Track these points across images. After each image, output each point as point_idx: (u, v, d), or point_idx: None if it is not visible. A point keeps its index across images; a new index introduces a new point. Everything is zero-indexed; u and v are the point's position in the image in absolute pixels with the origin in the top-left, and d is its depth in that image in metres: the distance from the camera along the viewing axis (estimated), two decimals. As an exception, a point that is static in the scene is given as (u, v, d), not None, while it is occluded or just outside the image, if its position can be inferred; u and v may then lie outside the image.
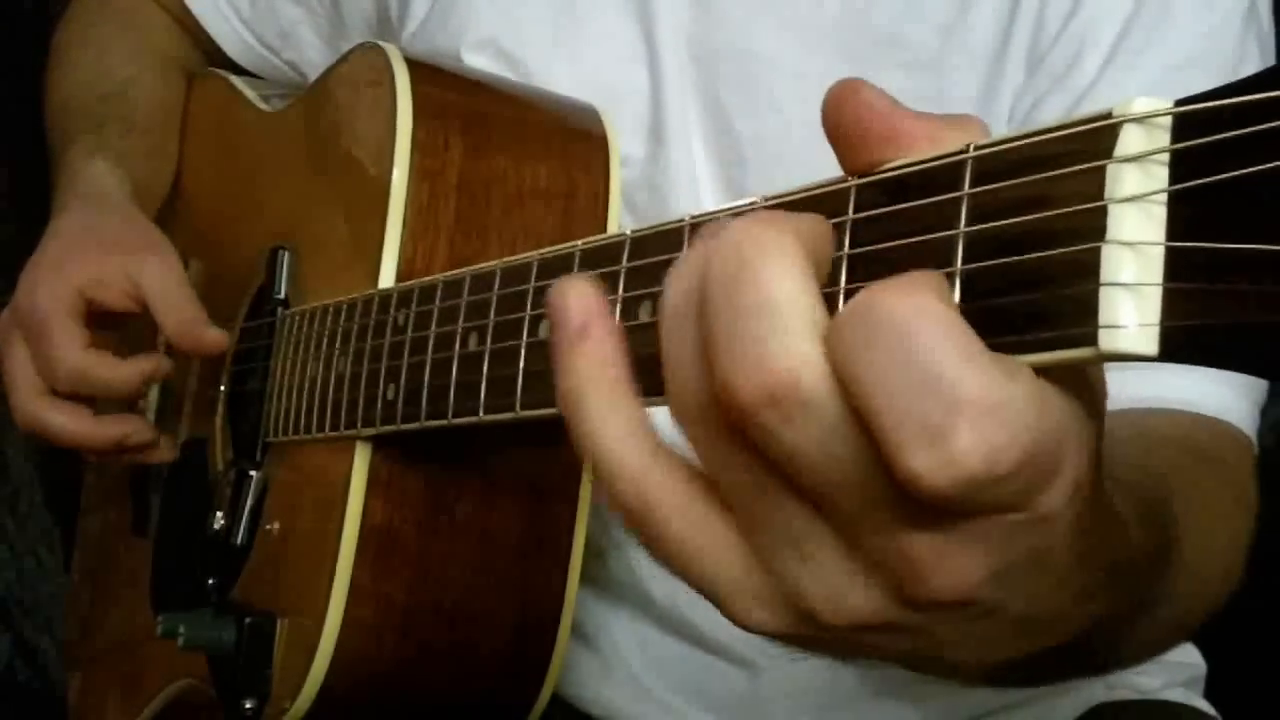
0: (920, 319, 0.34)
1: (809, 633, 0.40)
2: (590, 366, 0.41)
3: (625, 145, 0.86)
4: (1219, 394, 0.75)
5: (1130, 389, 0.72)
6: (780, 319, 0.36)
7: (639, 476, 0.40)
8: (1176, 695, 0.92)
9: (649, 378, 0.41)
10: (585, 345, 0.41)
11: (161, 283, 0.91)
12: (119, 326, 0.94)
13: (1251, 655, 1.08)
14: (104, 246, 0.93)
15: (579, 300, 0.41)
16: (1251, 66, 0.80)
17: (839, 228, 0.41)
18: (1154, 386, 0.73)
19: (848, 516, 0.37)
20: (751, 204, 0.44)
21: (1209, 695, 0.94)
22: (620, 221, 0.83)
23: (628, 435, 0.40)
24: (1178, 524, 0.59)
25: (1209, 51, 0.80)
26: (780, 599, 0.40)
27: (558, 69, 0.90)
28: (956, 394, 0.34)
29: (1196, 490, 0.65)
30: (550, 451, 0.80)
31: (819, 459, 0.36)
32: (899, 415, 0.34)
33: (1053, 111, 0.81)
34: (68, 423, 0.91)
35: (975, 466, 0.34)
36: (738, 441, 0.38)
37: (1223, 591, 0.68)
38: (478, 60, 0.92)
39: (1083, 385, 0.38)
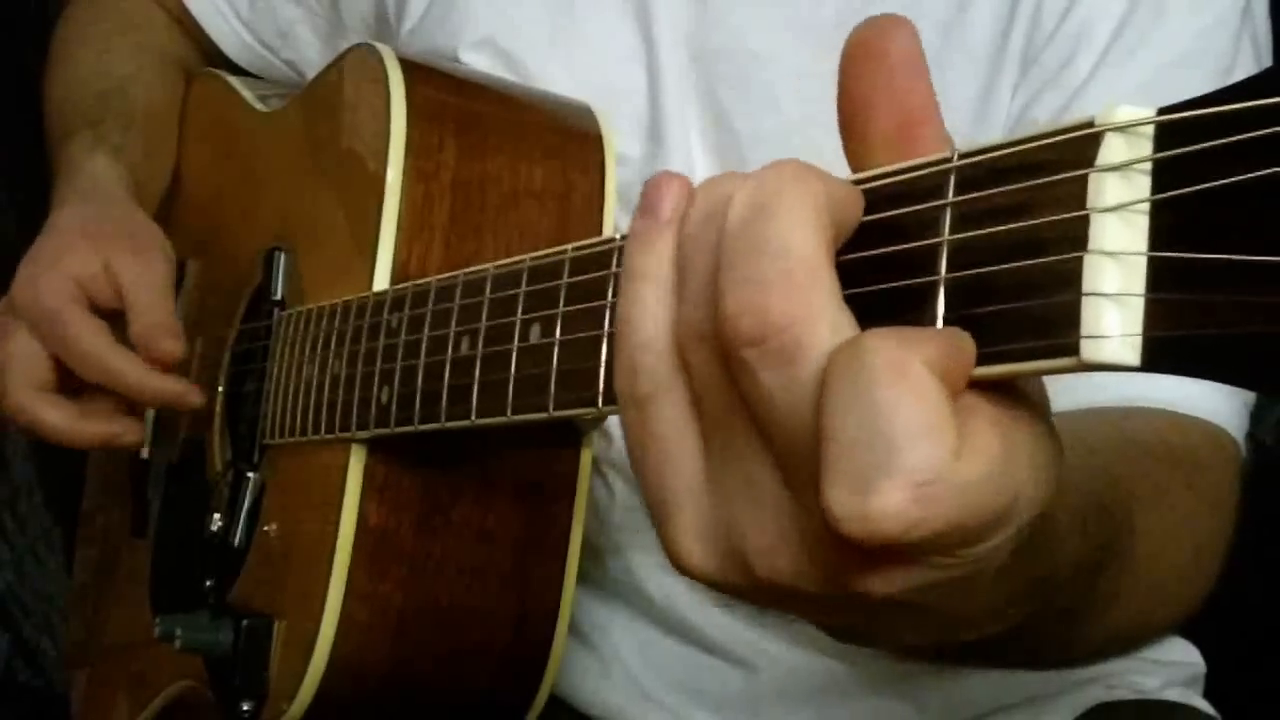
0: (897, 376, 0.34)
1: (737, 580, 0.41)
2: (664, 251, 0.41)
3: (623, 145, 0.86)
4: (1203, 394, 0.74)
5: (1113, 389, 0.72)
6: (788, 264, 0.36)
7: (668, 355, 0.41)
8: (1176, 695, 0.92)
9: None
10: (667, 233, 0.41)
11: (138, 280, 0.91)
12: (116, 323, 0.94)
13: (1251, 655, 1.08)
14: (97, 243, 0.93)
15: (671, 195, 0.42)
16: (1245, 67, 0.80)
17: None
18: (1137, 387, 0.73)
19: (800, 479, 0.38)
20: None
21: (1209, 695, 0.94)
22: (617, 221, 0.83)
23: (660, 299, 0.41)
24: (1133, 530, 0.59)
25: (1202, 51, 0.79)
26: (720, 535, 0.40)
27: (555, 68, 0.90)
28: (896, 458, 0.34)
29: (1160, 494, 0.65)
30: (547, 452, 0.80)
31: (782, 411, 0.37)
32: (840, 449, 0.35)
33: (1046, 110, 0.81)
34: (58, 419, 0.91)
35: (888, 529, 0.34)
36: (722, 368, 0.39)
37: (1189, 593, 0.68)
38: (475, 60, 0.91)
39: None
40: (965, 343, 0.36)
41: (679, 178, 0.42)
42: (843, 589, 0.38)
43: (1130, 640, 0.76)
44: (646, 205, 0.42)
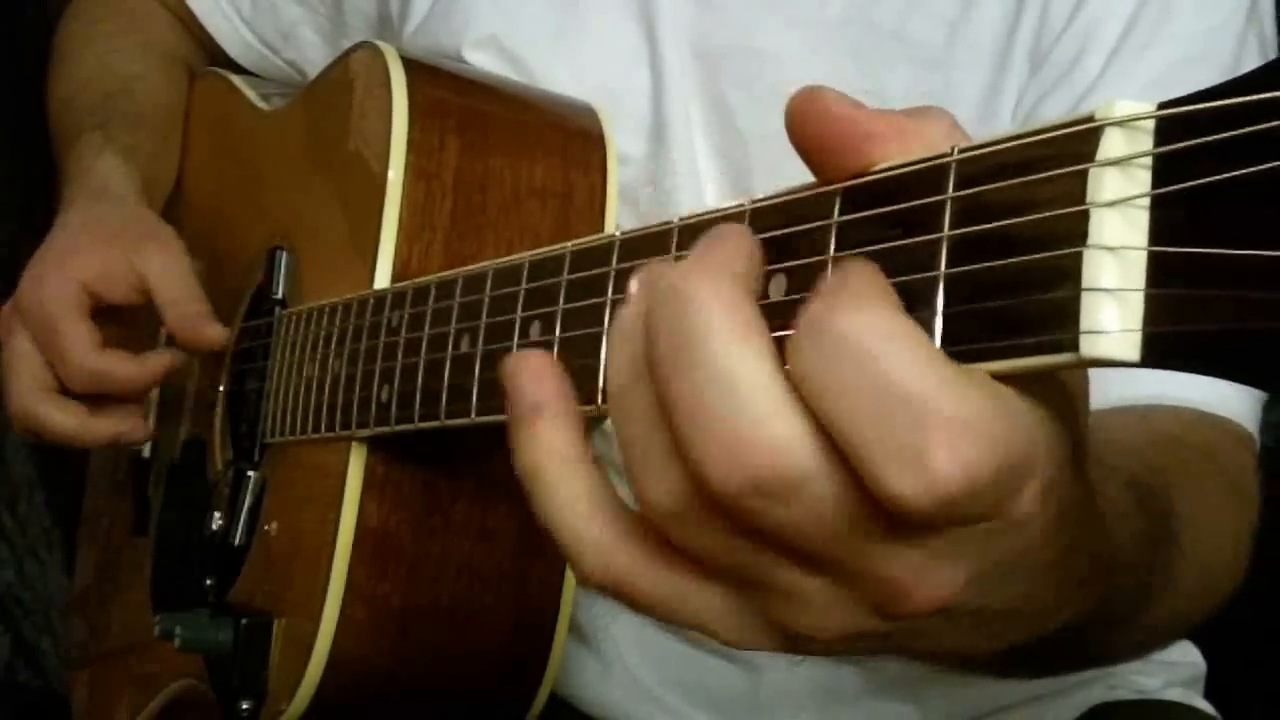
0: (877, 338, 0.34)
1: (798, 648, 0.40)
2: (547, 443, 0.40)
3: (626, 144, 0.86)
4: (1219, 390, 0.74)
5: (1130, 386, 0.72)
6: (744, 398, 0.35)
7: (605, 552, 0.39)
8: (1176, 695, 0.92)
9: None
10: (539, 424, 0.40)
11: (165, 273, 0.92)
12: (122, 319, 0.94)
13: (1251, 655, 1.08)
14: (108, 239, 0.93)
15: (532, 379, 0.40)
16: (1251, 65, 0.79)
17: (825, 230, 0.40)
18: (1154, 384, 0.73)
19: (835, 561, 0.37)
20: (739, 207, 0.44)
21: (1209, 695, 0.94)
22: (619, 220, 0.83)
23: (590, 513, 0.40)
24: (1177, 516, 0.59)
25: (1210, 50, 0.80)
26: (768, 629, 0.40)
27: (559, 67, 0.90)
28: (928, 413, 0.33)
29: (1196, 485, 0.65)
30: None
31: (811, 526, 0.36)
32: (875, 442, 0.33)
33: (1056, 108, 0.81)
34: (66, 420, 0.91)
35: (958, 484, 0.33)
36: (719, 523, 0.37)
37: (1226, 587, 0.68)
38: (479, 58, 0.91)
39: (1053, 388, 0.37)
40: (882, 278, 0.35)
41: (526, 359, 0.41)
42: (902, 614, 0.37)
43: (1176, 632, 0.75)
44: (509, 400, 0.41)
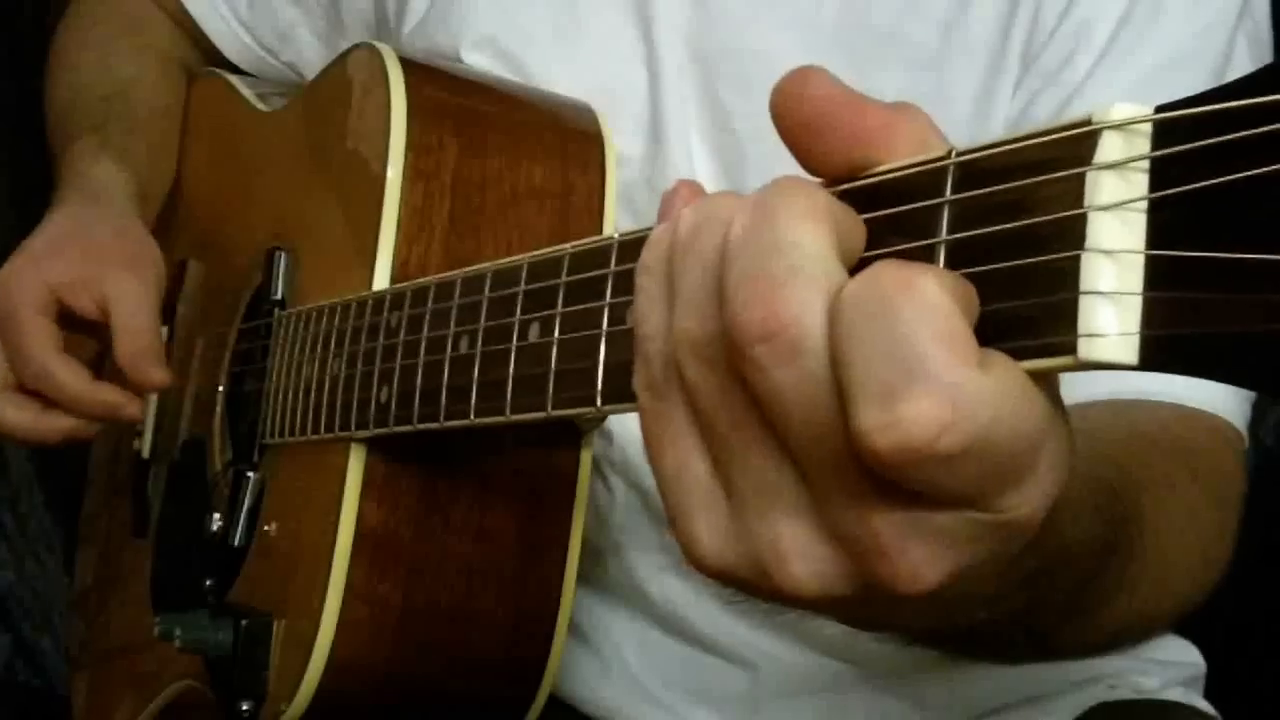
0: (909, 293, 0.34)
1: (756, 581, 0.40)
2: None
3: (624, 144, 0.86)
4: (1205, 387, 0.74)
5: (1114, 381, 0.72)
6: (796, 260, 0.36)
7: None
8: (1176, 695, 0.92)
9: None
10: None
11: (127, 305, 0.91)
12: (92, 333, 0.94)
13: (1251, 655, 1.08)
14: (87, 252, 0.93)
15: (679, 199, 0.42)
16: (1242, 66, 0.80)
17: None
18: (1138, 379, 0.72)
19: (818, 475, 0.38)
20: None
21: (1209, 695, 0.94)
22: (617, 221, 0.83)
23: (668, 337, 0.41)
24: (1143, 518, 0.59)
25: (1200, 51, 0.80)
26: (738, 538, 0.40)
27: (556, 68, 0.90)
28: (920, 364, 0.34)
29: (1166, 485, 0.65)
30: (547, 452, 0.80)
31: (798, 405, 0.37)
32: (864, 374, 0.34)
33: (1045, 109, 0.81)
34: (19, 416, 0.91)
35: (917, 434, 0.34)
36: (722, 379, 0.38)
37: (1194, 588, 0.68)
38: (477, 59, 0.91)
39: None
40: (968, 285, 0.36)
41: (692, 184, 0.42)
42: (880, 581, 0.37)
43: (1136, 633, 0.75)
44: (661, 208, 0.42)
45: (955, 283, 0.35)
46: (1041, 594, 0.49)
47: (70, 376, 0.90)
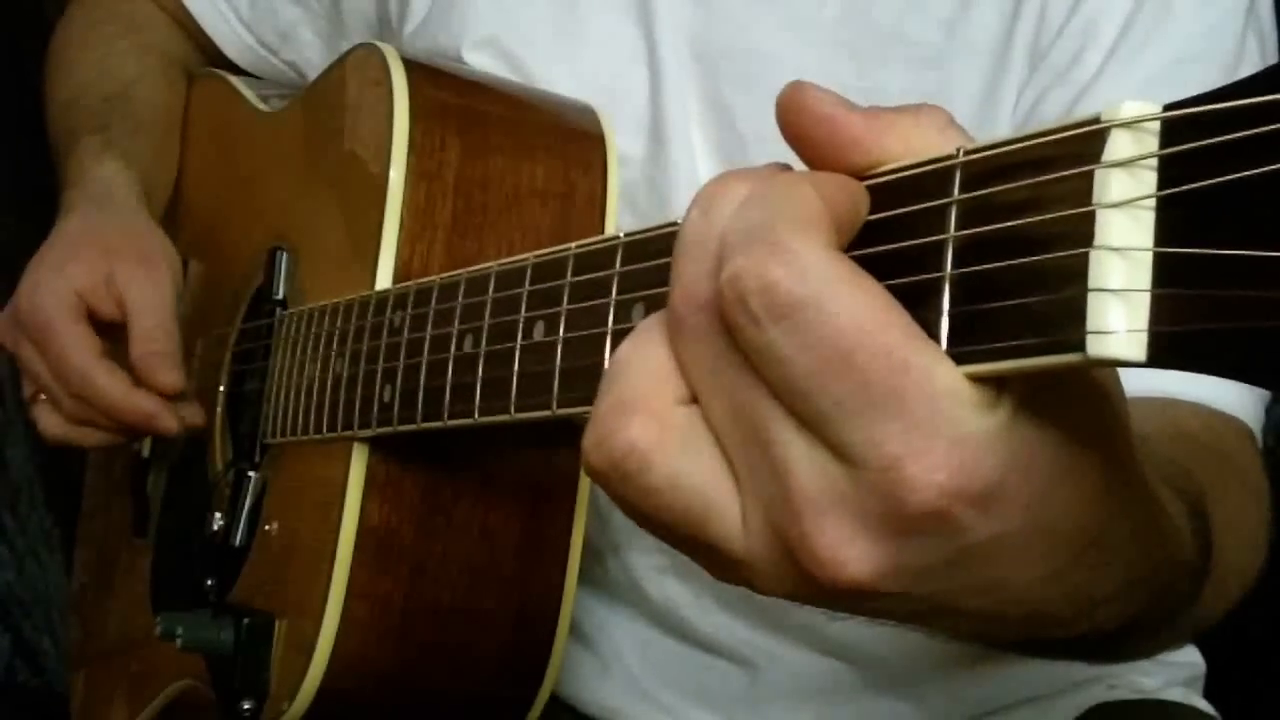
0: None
1: (808, 590, 0.40)
2: None
3: (625, 144, 0.86)
4: (1224, 387, 0.74)
5: (1139, 379, 0.71)
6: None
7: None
8: (1176, 695, 0.92)
9: None
10: None
11: (142, 302, 0.91)
12: (116, 335, 0.94)
13: (1251, 655, 1.08)
14: (105, 252, 0.93)
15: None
16: (1250, 64, 0.80)
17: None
18: (1159, 379, 0.72)
19: (807, 415, 0.38)
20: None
21: (1209, 695, 0.94)
22: (619, 221, 0.83)
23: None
24: (1209, 518, 0.59)
25: (1209, 49, 0.80)
26: (764, 519, 0.39)
27: (558, 68, 0.90)
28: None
29: (1217, 486, 0.64)
30: (549, 452, 0.80)
31: (790, 359, 0.37)
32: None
33: (1054, 107, 0.81)
34: (57, 423, 0.91)
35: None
36: (722, 328, 0.39)
37: (1240, 590, 0.68)
38: (478, 59, 0.91)
39: (1074, 392, 0.37)
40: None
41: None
42: (806, 556, 0.38)
43: (1188, 636, 0.74)
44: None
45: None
46: (1151, 602, 0.49)
47: (110, 382, 0.90)
